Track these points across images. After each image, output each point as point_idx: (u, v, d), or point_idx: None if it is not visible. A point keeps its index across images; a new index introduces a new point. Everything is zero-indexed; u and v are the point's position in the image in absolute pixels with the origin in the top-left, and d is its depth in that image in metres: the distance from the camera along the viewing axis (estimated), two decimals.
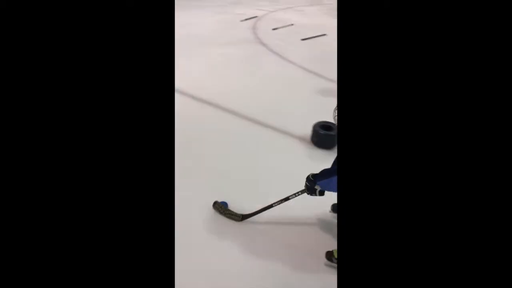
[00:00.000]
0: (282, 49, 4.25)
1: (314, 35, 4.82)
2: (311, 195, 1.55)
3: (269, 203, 1.65)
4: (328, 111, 1.49)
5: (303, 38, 4.74)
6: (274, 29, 5.24)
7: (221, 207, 1.73)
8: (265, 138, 2.42)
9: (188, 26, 4.87)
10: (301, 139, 2.39)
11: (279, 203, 1.63)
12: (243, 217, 1.69)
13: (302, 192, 1.59)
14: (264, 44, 4.48)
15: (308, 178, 1.54)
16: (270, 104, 2.86)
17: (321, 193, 1.54)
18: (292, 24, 5.58)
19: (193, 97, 2.90)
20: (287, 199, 1.63)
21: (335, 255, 1.49)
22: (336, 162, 1.56)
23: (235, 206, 1.73)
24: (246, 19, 5.75)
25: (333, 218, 1.74)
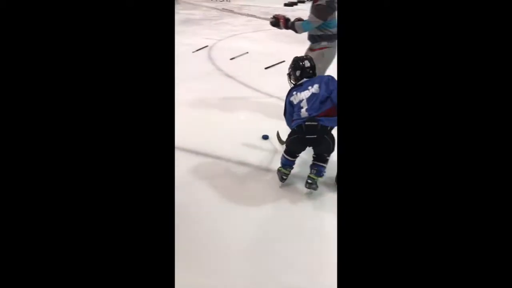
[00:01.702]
0: (252, 80, 4.07)
1: (274, 63, 4.74)
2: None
3: None
4: None
5: (266, 66, 4.65)
6: (231, 58, 5.07)
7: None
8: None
9: None
10: None
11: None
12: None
13: None
14: (229, 76, 4.26)
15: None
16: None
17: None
18: (247, 52, 5.48)
19: (184, 149, 2.54)
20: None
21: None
22: None
23: None
24: (198, 50, 5.50)
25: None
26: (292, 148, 2.03)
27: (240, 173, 2.25)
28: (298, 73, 2.16)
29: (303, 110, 1.95)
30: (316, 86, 1.98)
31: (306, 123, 1.87)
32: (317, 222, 1.86)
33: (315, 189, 1.97)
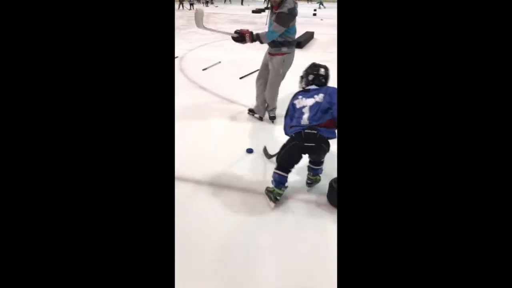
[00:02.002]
0: (227, 91, 3.88)
1: (248, 72, 4.58)
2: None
3: None
4: None
5: (241, 76, 4.48)
6: (204, 69, 4.87)
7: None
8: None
9: None
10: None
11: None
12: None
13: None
14: (203, 88, 4.05)
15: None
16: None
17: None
18: (220, 62, 5.30)
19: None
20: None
21: None
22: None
23: None
24: None
25: None
26: (288, 157, 1.90)
27: (229, 200, 2.05)
28: (310, 77, 2.09)
29: (304, 117, 1.88)
30: (321, 95, 1.93)
31: (306, 130, 1.82)
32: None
33: (318, 181, 2.11)
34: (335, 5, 22.30)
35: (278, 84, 2.96)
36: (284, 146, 1.92)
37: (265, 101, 3.09)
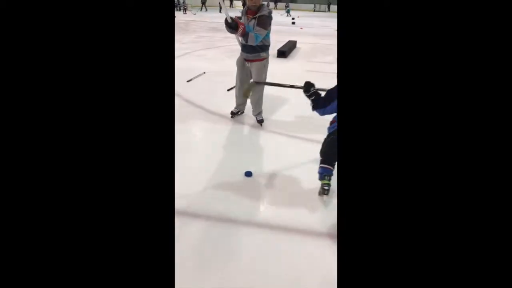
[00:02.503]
0: (215, 105, 3.63)
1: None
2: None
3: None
4: None
5: (228, 88, 4.25)
6: (188, 80, 4.60)
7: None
8: None
9: None
10: None
11: (285, 86, 2.20)
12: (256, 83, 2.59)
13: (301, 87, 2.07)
14: (189, 101, 3.79)
15: (308, 90, 2.04)
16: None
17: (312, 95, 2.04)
18: (204, 72, 5.05)
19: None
20: (292, 86, 2.16)
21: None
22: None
23: None
24: None
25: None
26: (329, 151, 1.97)
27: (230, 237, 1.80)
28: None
29: None
30: None
31: None
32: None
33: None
34: (311, 14, 22.61)
35: (263, 88, 3.05)
36: (325, 141, 2.04)
37: (246, 101, 3.19)
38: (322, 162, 2.01)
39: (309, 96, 2.06)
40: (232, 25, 2.54)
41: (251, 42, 2.65)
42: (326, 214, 1.92)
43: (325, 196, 2.00)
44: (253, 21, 2.67)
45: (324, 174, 1.98)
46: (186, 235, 1.72)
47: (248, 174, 2.31)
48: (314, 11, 25.93)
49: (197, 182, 2.21)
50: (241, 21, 2.70)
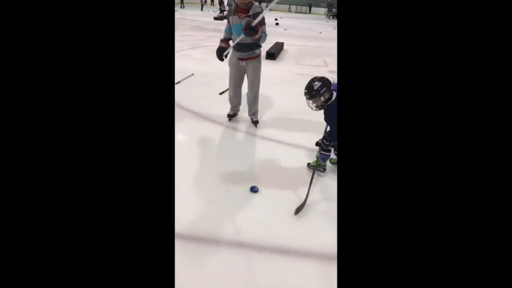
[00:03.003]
0: (208, 110, 3.45)
1: (228, 88, 4.18)
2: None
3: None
4: None
5: (220, 92, 4.07)
6: (177, 83, 4.38)
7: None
8: None
9: None
10: None
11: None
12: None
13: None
14: (180, 106, 3.58)
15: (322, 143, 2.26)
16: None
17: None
18: (193, 74, 4.84)
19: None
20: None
21: None
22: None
23: None
24: None
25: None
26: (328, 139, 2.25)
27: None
28: (330, 89, 2.10)
29: None
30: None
31: None
32: None
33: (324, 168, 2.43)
34: (293, 15, 22.64)
35: (259, 87, 3.01)
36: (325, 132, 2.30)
37: (241, 102, 3.16)
38: (322, 150, 2.31)
39: (324, 149, 2.30)
40: (254, 28, 2.50)
41: (263, 41, 2.66)
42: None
43: (322, 173, 2.40)
44: (246, 18, 2.58)
45: (326, 158, 2.36)
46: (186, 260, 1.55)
47: (254, 189, 2.15)
48: (289, 11, 25.83)
49: (193, 199, 2.03)
50: (229, 20, 2.75)
